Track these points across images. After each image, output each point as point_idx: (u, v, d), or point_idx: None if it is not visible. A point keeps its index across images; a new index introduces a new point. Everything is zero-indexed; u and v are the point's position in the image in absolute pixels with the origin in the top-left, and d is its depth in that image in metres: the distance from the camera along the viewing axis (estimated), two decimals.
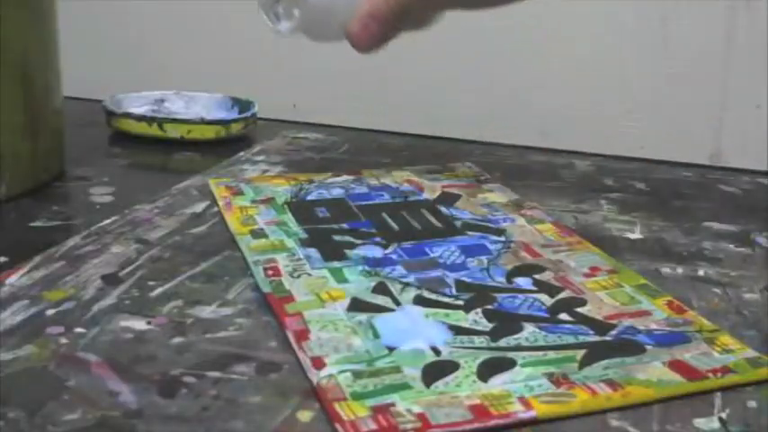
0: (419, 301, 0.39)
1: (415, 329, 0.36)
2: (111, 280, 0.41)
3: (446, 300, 0.39)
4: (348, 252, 0.44)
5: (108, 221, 0.48)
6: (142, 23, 0.83)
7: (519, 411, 0.31)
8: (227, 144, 0.67)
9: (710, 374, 0.34)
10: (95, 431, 0.29)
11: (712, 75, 0.67)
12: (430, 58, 0.74)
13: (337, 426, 0.30)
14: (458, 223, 0.49)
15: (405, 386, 0.32)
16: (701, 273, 0.44)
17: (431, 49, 0.74)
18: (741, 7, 0.65)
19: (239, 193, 0.53)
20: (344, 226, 0.48)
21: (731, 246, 0.48)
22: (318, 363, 0.33)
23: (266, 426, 0.30)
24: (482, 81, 0.73)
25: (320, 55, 0.78)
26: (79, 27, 0.78)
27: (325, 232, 0.47)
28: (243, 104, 0.73)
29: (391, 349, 0.35)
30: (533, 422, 0.31)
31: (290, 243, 0.45)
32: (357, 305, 0.38)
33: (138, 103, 0.73)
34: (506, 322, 0.37)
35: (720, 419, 0.31)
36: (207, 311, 0.38)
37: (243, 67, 0.80)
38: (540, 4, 0.70)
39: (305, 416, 0.31)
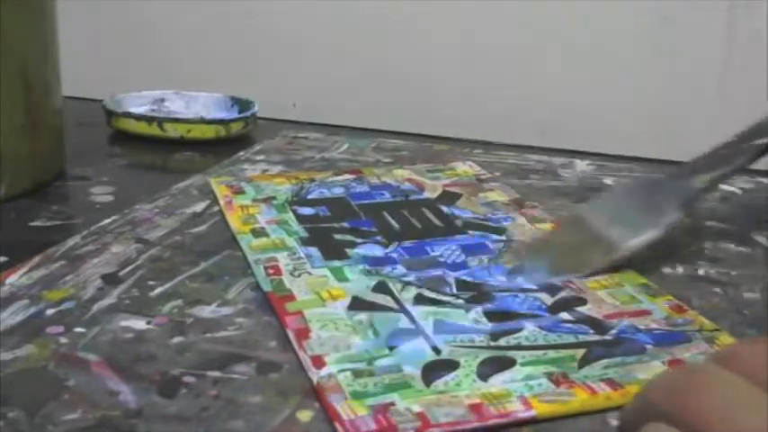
0: (420, 299, 0.39)
1: (416, 328, 0.36)
2: (111, 280, 0.41)
3: (446, 298, 0.39)
4: (349, 251, 0.44)
5: (108, 221, 0.48)
6: (142, 23, 0.83)
7: (519, 411, 0.31)
8: (227, 144, 0.67)
9: None
10: (95, 431, 0.29)
11: (712, 75, 0.67)
12: (430, 59, 0.74)
13: (337, 425, 0.30)
14: (458, 222, 0.49)
15: (404, 385, 0.32)
16: (701, 272, 0.44)
17: (431, 49, 0.74)
18: (741, 7, 0.65)
19: (240, 191, 0.53)
20: (345, 225, 0.48)
21: (731, 245, 0.48)
22: (318, 362, 0.33)
23: (266, 426, 0.30)
24: (482, 81, 0.73)
25: (320, 55, 0.78)
26: (79, 27, 0.78)
27: (326, 231, 0.47)
28: (243, 104, 0.73)
29: (391, 348, 0.35)
30: (533, 421, 0.31)
31: (290, 242, 0.45)
32: (357, 304, 0.38)
33: (138, 103, 0.73)
34: (506, 321, 0.37)
35: None
36: (207, 311, 0.38)
37: (243, 67, 0.80)
38: (539, 4, 0.70)
39: (305, 416, 0.31)
